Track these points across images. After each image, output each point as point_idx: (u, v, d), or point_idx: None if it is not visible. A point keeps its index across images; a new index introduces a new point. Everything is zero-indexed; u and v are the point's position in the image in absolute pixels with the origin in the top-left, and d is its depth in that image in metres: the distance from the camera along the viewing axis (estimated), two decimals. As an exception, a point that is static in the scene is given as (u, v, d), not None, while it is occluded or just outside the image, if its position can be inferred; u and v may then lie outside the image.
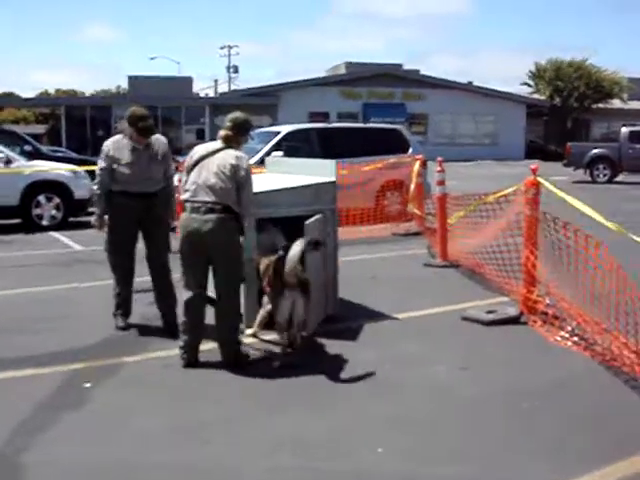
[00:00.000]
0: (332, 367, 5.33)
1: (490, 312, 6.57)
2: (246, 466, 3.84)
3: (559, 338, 5.89)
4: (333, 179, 6.60)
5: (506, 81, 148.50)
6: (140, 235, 6.34)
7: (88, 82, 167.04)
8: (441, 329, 6.36)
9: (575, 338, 5.79)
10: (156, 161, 6.21)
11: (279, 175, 7.34)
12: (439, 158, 9.84)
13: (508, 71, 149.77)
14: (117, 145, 6.19)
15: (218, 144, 5.35)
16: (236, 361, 5.26)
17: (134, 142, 6.13)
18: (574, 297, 5.91)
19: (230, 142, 5.34)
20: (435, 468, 3.79)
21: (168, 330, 6.09)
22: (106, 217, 6.25)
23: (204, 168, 5.19)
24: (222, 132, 5.40)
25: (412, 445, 4.06)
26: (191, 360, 5.25)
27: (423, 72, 49.40)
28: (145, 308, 6.64)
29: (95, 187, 6.30)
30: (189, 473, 3.77)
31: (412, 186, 12.15)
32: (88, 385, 4.97)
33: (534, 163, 7.00)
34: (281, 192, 6.35)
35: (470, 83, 50.87)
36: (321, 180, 6.58)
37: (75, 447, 4.03)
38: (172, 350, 5.58)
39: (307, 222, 5.94)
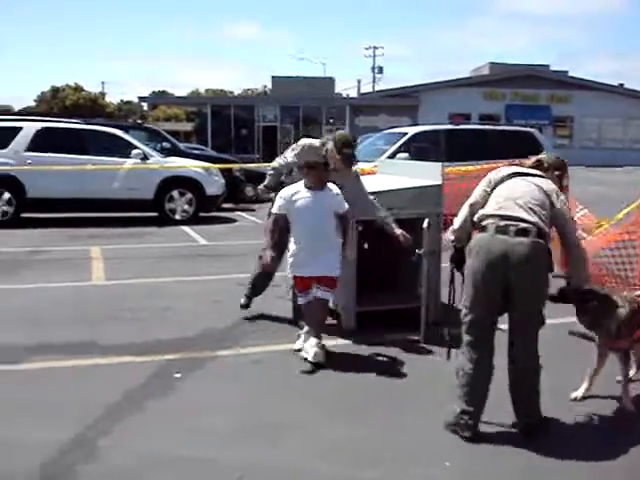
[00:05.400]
0: (419, 376, 5.26)
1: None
2: (309, 470, 3.84)
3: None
4: (439, 182, 6.47)
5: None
6: None
7: (238, 81, 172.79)
8: (541, 343, 6.05)
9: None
10: None
11: (389, 177, 7.30)
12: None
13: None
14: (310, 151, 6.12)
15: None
16: (537, 426, 4.25)
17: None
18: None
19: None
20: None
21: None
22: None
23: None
24: (534, 159, 4.57)
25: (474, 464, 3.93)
26: (475, 429, 4.18)
27: (572, 74, 47.67)
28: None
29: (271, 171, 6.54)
30: (247, 473, 3.79)
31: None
32: (178, 376, 5.14)
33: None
34: (382, 194, 6.27)
35: (621, 85, 48.56)
36: (424, 183, 6.46)
37: (149, 435, 4.18)
38: (264, 347, 5.72)
39: (425, 226, 5.92)
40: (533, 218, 4.06)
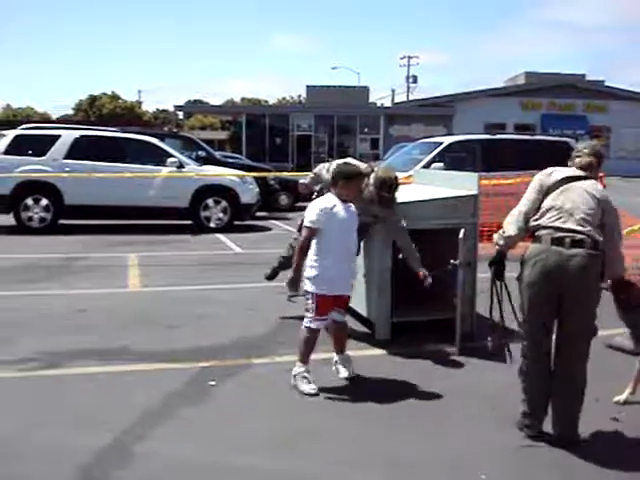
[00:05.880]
0: (453, 388, 5.22)
1: None
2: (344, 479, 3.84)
3: None
4: (474, 192, 6.43)
5: None
6: None
7: (273, 91, 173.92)
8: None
9: None
10: None
11: (423, 187, 7.28)
12: (600, 174, 9.30)
13: None
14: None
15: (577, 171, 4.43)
16: (572, 440, 4.23)
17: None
18: None
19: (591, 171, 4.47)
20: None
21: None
22: None
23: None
24: (586, 159, 4.46)
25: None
26: (538, 430, 4.31)
27: (608, 83, 47.14)
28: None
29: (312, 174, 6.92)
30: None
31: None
32: (213, 383, 5.16)
33: None
34: (414, 204, 6.27)
35: (659, 95, 47.87)
36: (460, 193, 6.43)
37: (183, 443, 4.20)
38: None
39: (461, 237, 5.89)
40: (587, 228, 4.10)
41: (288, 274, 5.31)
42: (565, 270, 4.06)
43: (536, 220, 4.26)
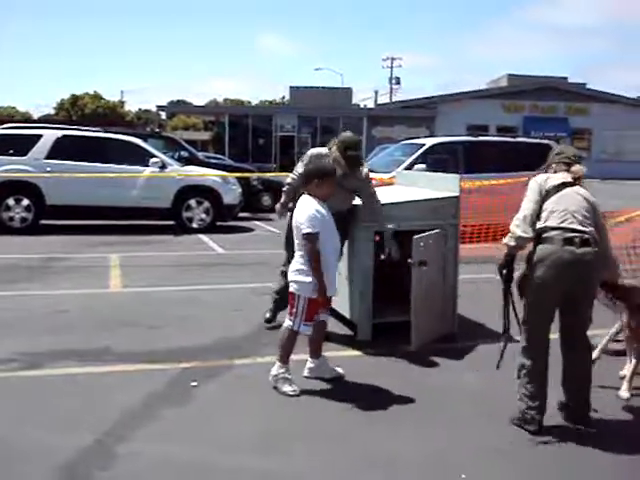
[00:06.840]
0: (436, 387, 5.26)
1: (619, 341, 6.17)
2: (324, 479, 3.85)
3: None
4: (456, 194, 6.47)
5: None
6: None
7: (256, 91, 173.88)
8: (558, 356, 6.02)
9: None
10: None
11: (406, 188, 7.32)
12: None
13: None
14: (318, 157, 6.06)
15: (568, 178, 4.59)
16: (585, 421, 4.55)
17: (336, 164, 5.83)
18: None
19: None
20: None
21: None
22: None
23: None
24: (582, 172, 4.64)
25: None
26: (541, 423, 4.47)
27: (590, 86, 47.55)
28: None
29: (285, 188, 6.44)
30: None
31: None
32: (194, 384, 5.16)
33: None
34: (397, 205, 6.31)
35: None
36: (442, 195, 6.48)
37: (166, 443, 4.20)
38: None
39: (415, 237, 5.88)
40: (590, 229, 4.36)
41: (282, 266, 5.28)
42: (577, 268, 4.31)
43: (543, 222, 4.42)
